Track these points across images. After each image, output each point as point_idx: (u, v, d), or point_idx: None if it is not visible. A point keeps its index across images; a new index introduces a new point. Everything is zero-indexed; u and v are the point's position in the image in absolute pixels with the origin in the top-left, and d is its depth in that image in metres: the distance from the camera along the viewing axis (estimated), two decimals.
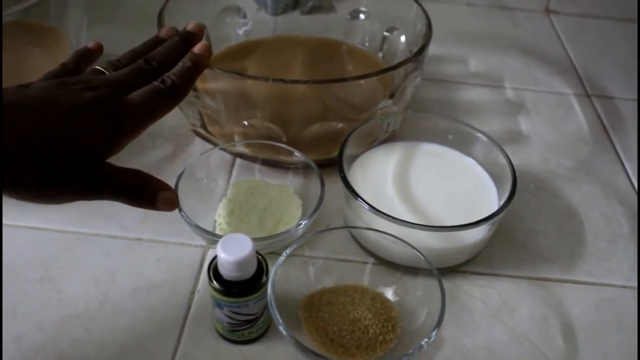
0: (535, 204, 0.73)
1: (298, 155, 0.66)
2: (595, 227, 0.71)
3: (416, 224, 0.57)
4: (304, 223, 0.60)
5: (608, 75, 1.00)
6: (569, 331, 0.59)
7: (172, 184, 0.60)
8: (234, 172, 0.73)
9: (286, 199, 0.66)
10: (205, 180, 0.68)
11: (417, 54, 0.70)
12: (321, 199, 0.61)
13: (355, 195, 0.60)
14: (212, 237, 0.59)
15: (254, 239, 0.49)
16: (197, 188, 0.66)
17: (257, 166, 0.72)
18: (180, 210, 0.58)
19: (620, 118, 0.90)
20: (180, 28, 0.75)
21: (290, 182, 0.69)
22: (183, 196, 0.61)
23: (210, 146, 0.72)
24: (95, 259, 0.62)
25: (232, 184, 0.69)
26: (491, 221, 0.58)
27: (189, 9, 0.80)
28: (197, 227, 0.58)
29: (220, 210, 0.66)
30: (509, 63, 1.01)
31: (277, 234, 0.59)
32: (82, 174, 0.45)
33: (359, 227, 0.62)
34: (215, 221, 0.65)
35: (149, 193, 0.49)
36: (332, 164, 0.66)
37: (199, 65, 0.55)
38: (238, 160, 0.74)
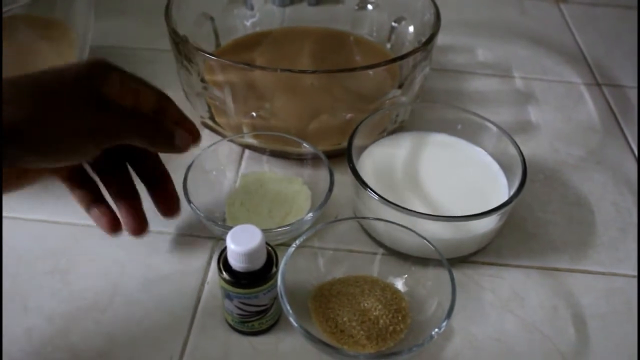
0: (545, 193, 0.73)
1: (307, 146, 0.66)
2: (605, 217, 0.70)
3: (426, 214, 0.57)
4: (312, 214, 0.60)
5: (618, 63, 0.99)
6: (580, 321, 0.59)
7: (180, 176, 0.61)
8: (243, 164, 0.73)
9: (295, 190, 0.66)
10: (214, 172, 0.68)
11: (426, 44, 0.69)
12: (330, 190, 0.61)
13: (365, 185, 0.59)
14: (222, 229, 0.59)
15: (263, 230, 0.49)
16: (206, 180, 0.66)
17: (265, 157, 0.72)
18: (189, 202, 0.58)
19: (631, 107, 0.89)
20: (186, 22, 0.75)
21: (299, 174, 0.69)
22: (192, 188, 0.61)
23: (218, 138, 0.72)
24: (105, 251, 0.62)
25: (241, 176, 0.69)
26: (501, 211, 0.58)
27: (197, 1, 0.80)
28: (207, 219, 0.58)
29: (229, 201, 0.66)
30: (517, 52, 1.00)
31: (286, 225, 0.59)
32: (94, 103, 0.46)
33: (368, 218, 0.62)
34: (225, 212, 0.65)
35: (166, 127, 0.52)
36: (341, 154, 0.65)
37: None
38: (247, 152, 0.74)
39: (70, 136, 0.44)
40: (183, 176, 0.61)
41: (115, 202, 0.56)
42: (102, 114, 0.46)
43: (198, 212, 0.58)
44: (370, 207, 0.62)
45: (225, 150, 0.71)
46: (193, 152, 0.69)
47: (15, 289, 0.58)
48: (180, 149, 0.54)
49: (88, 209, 0.56)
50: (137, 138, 0.49)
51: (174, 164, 0.61)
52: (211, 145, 0.67)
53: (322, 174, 0.64)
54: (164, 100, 0.55)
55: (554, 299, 0.61)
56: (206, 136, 0.75)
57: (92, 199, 0.55)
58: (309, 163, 0.68)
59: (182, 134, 0.53)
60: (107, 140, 0.47)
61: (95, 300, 0.58)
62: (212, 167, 0.67)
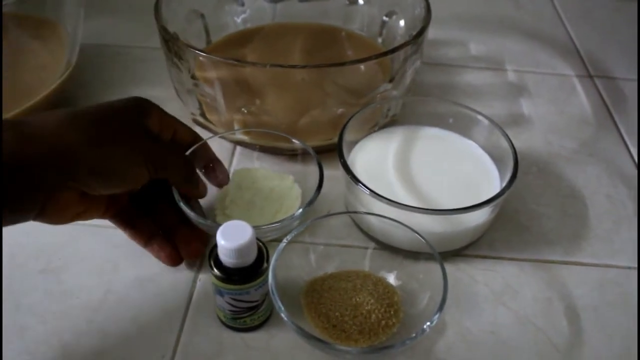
0: (538, 186, 0.73)
1: (296, 142, 0.66)
2: (599, 209, 0.70)
3: (417, 208, 0.57)
4: (302, 210, 0.59)
5: (610, 56, 0.99)
6: (573, 313, 0.59)
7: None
8: (234, 160, 0.73)
9: (286, 188, 0.66)
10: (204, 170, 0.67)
11: (417, 37, 0.69)
12: (320, 186, 0.61)
13: (356, 180, 0.59)
14: (211, 226, 0.58)
15: (253, 227, 0.49)
16: None
17: (256, 154, 0.72)
18: (178, 200, 0.58)
19: (623, 99, 0.89)
20: (176, 19, 0.75)
21: (289, 169, 0.69)
22: None
23: (209, 134, 0.72)
24: (98, 249, 0.62)
25: (234, 172, 0.68)
26: (493, 204, 0.58)
27: None
28: (197, 216, 0.58)
29: (220, 197, 0.65)
30: (510, 45, 1.00)
31: (275, 222, 0.58)
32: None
33: (360, 212, 0.62)
34: (215, 209, 0.65)
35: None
36: (332, 149, 0.65)
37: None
38: (238, 148, 0.74)
39: (122, 160, 0.49)
40: None
41: (169, 235, 0.60)
42: (150, 143, 0.52)
43: (187, 209, 0.58)
44: (362, 202, 0.61)
45: (215, 146, 0.71)
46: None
47: (8, 288, 0.58)
48: (200, 196, 0.60)
49: (145, 245, 0.58)
50: (176, 173, 0.55)
51: None
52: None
53: (312, 170, 0.64)
54: (198, 140, 0.62)
55: (548, 292, 0.61)
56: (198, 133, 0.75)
57: (148, 236, 0.58)
58: (299, 159, 0.68)
59: (204, 184, 0.61)
60: (153, 168, 0.51)
61: (88, 298, 0.58)
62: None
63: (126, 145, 0.49)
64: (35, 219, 0.48)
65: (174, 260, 0.58)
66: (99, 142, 0.47)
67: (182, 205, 0.57)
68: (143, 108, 0.53)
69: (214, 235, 0.49)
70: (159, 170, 0.52)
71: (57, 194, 0.47)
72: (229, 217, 0.62)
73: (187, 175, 0.57)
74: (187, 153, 0.60)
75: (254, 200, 0.64)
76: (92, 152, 0.46)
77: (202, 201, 0.63)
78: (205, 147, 0.63)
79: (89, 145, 0.46)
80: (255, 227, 0.49)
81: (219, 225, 0.50)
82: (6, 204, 0.43)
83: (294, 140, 0.66)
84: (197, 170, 0.60)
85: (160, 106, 0.57)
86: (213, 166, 0.63)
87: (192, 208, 0.59)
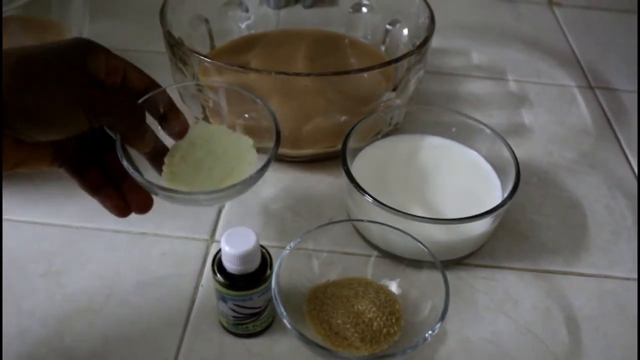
0: (539, 196, 0.73)
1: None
2: (598, 219, 0.71)
3: (420, 217, 0.57)
4: (248, 178, 0.53)
5: (611, 67, 0.99)
6: (572, 323, 0.59)
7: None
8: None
9: (242, 151, 0.59)
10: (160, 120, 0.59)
11: (420, 47, 0.69)
12: (276, 146, 0.56)
13: (359, 188, 0.60)
14: (149, 185, 0.52)
15: (196, 192, 0.48)
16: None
17: None
18: (119, 152, 0.52)
19: (624, 110, 0.90)
20: (181, 24, 0.75)
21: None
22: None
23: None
24: (99, 253, 0.62)
25: (192, 125, 0.59)
26: (495, 214, 0.58)
27: (191, 3, 0.80)
28: (134, 172, 0.52)
29: (170, 153, 0.57)
30: (511, 55, 1.00)
31: (219, 190, 0.53)
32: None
33: (362, 220, 0.62)
34: (163, 164, 0.56)
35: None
36: (335, 157, 0.66)
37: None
38: None
39: (57, 105, 0.44)
40: None
41: (121, 184, 0.54)
42: (89, 86, 0.46)
43: (126, 164, 0.52)
44: (365, 210, 0.62)
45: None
46: None
47: (9, 291, 0.58)
48: (145, 148, 0.53)
49: (93, 195, 0.53)
50: (119, 121, 0.49)
51: None
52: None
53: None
54: (153, 86, 0.54)
55: (547, 301, 0.61)
56: None
57: (97, 185, 0.53)
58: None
59: (151, 135, 0.53)
60: (93, 114, 0.46)
61: (89, 302, 0.58)
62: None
63: (61, 88, 0.45)
64: None
65: (121, 210, 0.53)
66: (29, 86, 0.43)
67: (120, 158, 0.51)
68: (87, 48, 0.48)
69: (153, 193, 0.49)
70: (100, 117, 0.47)
71: None
72: (175, 175, 0.56)
73: (132, 124, 0.51)
74: (140, 101, 0.53)
75: (204, 159, 0.57)
76: (22, 95, 0.43)
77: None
78: (164, 95, 0.55)
79: (17, 89, 0.42)
80: (196, 194, 0.47)
81: (157, 185, 0.48)
82: None
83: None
84: (153, 121, 0.55)
85: None
86: (170, 116, 0.56)
87: (132, 163, 0.52)
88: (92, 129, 0.48)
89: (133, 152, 0.53)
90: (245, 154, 0.59)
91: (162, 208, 0.52)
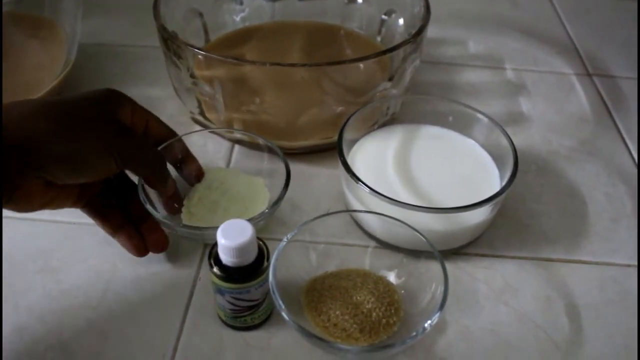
0: (538, 184, 0.73)
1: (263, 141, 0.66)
2: (598, 207, 0.70)
3: (418, 206, 0.57)
4: (261, 214, 0.59)
5: (609, 54, 0.99)
6: (573, 311, 0.59)
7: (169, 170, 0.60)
8: (232, 159, 0.72)
9: (254, 191, 0.65)
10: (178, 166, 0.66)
11: (416, 36, 0.69)
12: (285, 188, 0.61)
13: (356, 178, 0.59)
14: (172, 225, 0.58)
15: (212, 228, 0.50)
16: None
17: (254, 152, 0.71)
18: (142, 197, 0.58)
19: (622, 97, 0.89)
20: (175, 18, 0.75)
21: (262, 172, 0.67)
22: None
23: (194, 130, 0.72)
24: (96, 248, 0.62)
25: (207, 170, 0.66)
26: (493, 202, 0.58)
27: None
28: (158, 214, 0.58)
29: (189, 196, 0.64)
30: (509, 44, 1.00)
31: None
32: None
33: (360, 211, 0.62)
34: (182, 207, 0.64)
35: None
36: (332, 148, 0.65)
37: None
38: (236, 147, 0.74)
39: (89, 151, 0.49)
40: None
41: (139, 225, 0.59)
42: (120, 135, 0.52)
43: (150, 208, 0.57)
44: (362, 200, 0.61)
45: (215, 144, 0.71)
46: None
47: (6, 289, 0.58)
48: (167, 192, 0.59)
49: (114, 235, 0.58)
50: (144, 166, 0.55)
51: None
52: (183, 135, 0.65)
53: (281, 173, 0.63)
54: (173, 135, 0.61)
55: (548, 290, 0.61)
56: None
57: (117, 225, 0.58)
58: (266, 158, 0.67)
59: (172, 180, 0.59)
60: (121, 160, 0.51)
61: (86, 298, 0.58)
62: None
63: (93, 135, 0.49)
64: (4, 206, 0.47)
65: (140, 250, 0.58)
66: (65, 132, 0.47)
67: (144, 202, 0.57)
68: (115, 99, 0.53)
69: (179, 234, 0.53)
70: (127, 163, 0.52)
71: (24, 184, 0.47)
72: (193, 216, 0.62)
73: (155, 170, 0.56)
74: (160, 148, 0.60)
75: (219, 200, 0.64)
76: (57, 142, 0.47)
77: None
78: (180, 143, 0.62)
79: (54, 135, 0.47)
80: (213, 229, 0.50)
81: (180, 225, 0.53)
82: None
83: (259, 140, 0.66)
84: (170, 167, 0.61)
85: (160, 105, 0.57)
86: (187, 163, 0.63)
87: (153, 206, 0.58)
88: (117, 174, 0.54)
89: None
90: (257, 194, 0.65)
91: None
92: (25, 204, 0.49)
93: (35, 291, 0.58)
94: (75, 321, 0.56)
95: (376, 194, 0.58)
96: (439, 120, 0.71)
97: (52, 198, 0.51)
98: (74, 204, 0.56)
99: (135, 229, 0.59)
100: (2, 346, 0.53)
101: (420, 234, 0.55)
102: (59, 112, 0.48)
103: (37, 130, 0.46)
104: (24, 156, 0.45)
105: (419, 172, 0.66)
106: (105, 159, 0.50)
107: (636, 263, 0.64)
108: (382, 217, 0.58)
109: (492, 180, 0.65)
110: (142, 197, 0.57)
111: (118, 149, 0.50)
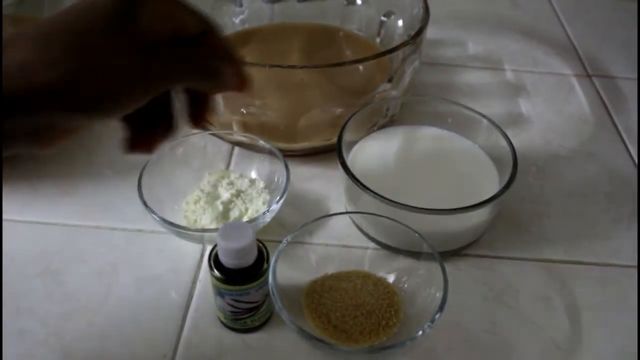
0: (538, 185, 0.73)
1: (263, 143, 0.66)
2: (598, 208, 0.70)
3: (417, 208, 0.57)
4: (263, 216, 0.59)
5: (609, 55, 0.99)
6: (574, 312, 0.59)
7: (168, 172, 0.60)
8: (232, 161, 0.72)
9: (254, 193, 0.65)
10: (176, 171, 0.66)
11: (415, 37, 0.69)
12: (284, 191, 0.61)
13: (355, 180, 0.59)
14: (170, 227, 0.58)
15: (208, 230, 0.49)
16: (165, 177, 0.64)
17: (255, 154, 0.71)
18: (145, 205, 0.58)
19: (622, 97, 0.89)
20: None
21: (261, 174, 0.68)
22: (150, 185, 0.61)
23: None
24: (97, 251, 0.62)
25: (207, 174, 0.67)
26: (492, 203, 0.58)
27: None
28: (157, 215, 0.58)
29: (188, 199, 0.65)
30: (508, 45, 1.00)
31: None
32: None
33: (359, 212, 0.62)
34: (182, 209, 0.64)
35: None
36: (331, 149, 0.65)
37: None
38: (236, 149, 0.74)
39: (115, 89, 0.37)
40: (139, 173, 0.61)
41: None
42: (148, 58, 0.38)
43: (152, 211, 0.58)
44: (362, 202, 0.61)
45: (214, 147, 0.71)
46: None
47: (8, 291, 0.58)
48: (228, 87, 0.45)
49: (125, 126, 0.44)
50: (186, 81, 0.42)
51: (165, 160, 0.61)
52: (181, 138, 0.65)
53: (279, 171, 0.64)
54: (209, 28, 0.44)
55: (548, 291, 0.61)
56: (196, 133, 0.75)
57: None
58: (267, 160, 0.67)
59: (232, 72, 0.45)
60: (154, 88, 0.39)
61: (88, 300, 0.58)
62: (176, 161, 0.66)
63: (113, 73, 0.36)
64: (27, 148, 0.37)
65: (130, 148, 0.44)
66: (79, 77, 0.35)
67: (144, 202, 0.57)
68: (131, 3, 0.38)
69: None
70: (169, 86, 0.41)
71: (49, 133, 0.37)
72: (189, 220, 0.63)
73: (202, 78, 0.42)
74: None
75: (218, 203, 0.64)
76: (71, 90, 0.35)
77: (172, 201, 0.63)
78: (215, 37, 0.45)
79: (66, 83, 0.35)
80: (210, 231, 0.49)
81: (179, 227, 0.53)
82: None
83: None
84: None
85: None
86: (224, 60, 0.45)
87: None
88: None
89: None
90: (257, 195, 0.65)
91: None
92: (49, 146, 0.38)
93: (37, 294, 0.58)
94: (76, 323, 0.56)
95: (376, 196, 0.58)
96: (439, 121, 0.71)
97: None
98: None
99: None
100: (3, 349, 0.53)
101: (420, 235, 0.55)
102: (67, 46, 0.35)
103: (46, 82, 0.34)
104: (39, 113, 0.35)
105: (418, 173, 0.66)
106: (131, 95, 0.38)
107: (636, 264, 0.64)
108: (381, 218, 0.58)
109: (491, 182, 0.65)
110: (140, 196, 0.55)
111: (146, 78, 0.38)
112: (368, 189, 0.58)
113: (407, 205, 0.57)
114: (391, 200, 0.57)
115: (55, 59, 0.34)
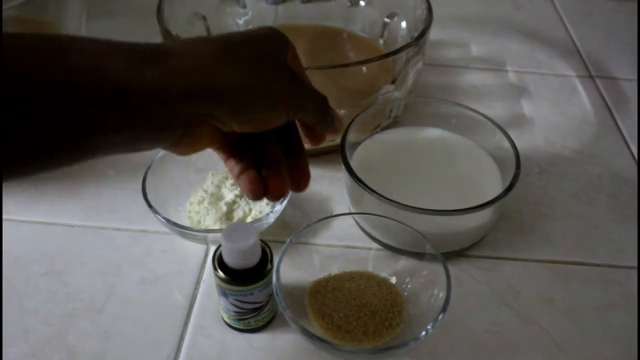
0: (540, 187, 0.73)
1: None
2: (601, 209, 0.70)
3: (420, 209, 0.57)
4: (267, 217, 0.59)
5: (611, 56, 0.99)
6: (576, 313, 0.59)
7: (172, 172, 0.61)
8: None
9: None
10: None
11: (418, 38, 0.69)
12: (286, 197, 0.61)
13: (359, 181, 0.59)
14: (174, 227, 0.59)
15: (212, 230, 0.50)
16: (169, 178, 0.65)
17: None
18: (149, 206, 0.59)
19: (625, 99, 0.89)
20: (178, 22, 0.75)
21: None
22: (155, 187, 0.61)
23: None
24: (101, 251, 0.62)
25: (210, 175, 0.67)
26: (495, 204, 0.58)
27: (189, 0, 0.80)
28: (161, 215, 0.59)
29: (191, 200, 0.66)
30: (511, 46, 1.00)
31: None
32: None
33: (362, 213, 0.62)
34: (187, 209, 0.65)
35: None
36: (335, 150, 0.65)
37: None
38: None
39: (268, 105, 0.44)
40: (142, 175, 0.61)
41: (263, 169, 0.52)
42: (294, 83, 0.46)
43: (157, 212, 0.58)
44: (365, 203, 0.62)
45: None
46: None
47: (12, 291, 0.58)
48: (336, 131, 0.52)
49: (238, 177, 0.52)
50: (313, 113, 0.49)
51: (168, 160, 0.61)
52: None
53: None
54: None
55: (550, 291, 0.61)
56: None
57: (243, 168, 0.51)
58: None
59: (337, 116, 0.52)
60: (293, 111, 0.46)
61: (91, 300, 0.58)
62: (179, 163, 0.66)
63: (274, 87, 0.44)
64: (167, 148, 0.44)
65: (258, 194, 0.51)
66: (249, 84, 0.42)
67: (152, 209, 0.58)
68: (282, 41, 0.47)
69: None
70: (298, 113, 0.47)
71: (197, 129, 0.43)
72: (192, 220, 0.63)
73: (323, 114, 0.50)
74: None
75: (222, 203, 0.64)
76: (240, 93, 0.42)
77: (177, 202, 0.63)
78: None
79: (240, 86, 0.42)
80: (213, 232, 0.50)
81: (183, 227, 0.53)
82: (146, 134, 0.40)
83: None
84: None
85: None
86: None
87: None
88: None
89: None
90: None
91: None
92: (188, 149, 0.45)
93: (41, 294, 0.58)
94: (80, 323, 0.56)
95: (379, 197, 0.58)
96: (442, 122, 0.71)
97: (208, 143, 0.48)
98: (213, 145, 0.50)
99: (259, 172, 0.51)
100: (8, 349, 0.54)
101: (423, 236, 0.55)
102: (239, 61, 0.43)
103: (219, 79, 0.41)
104: (204, 105, 0.41)
105: (421, 174, 0.66)
106: (280, 111, 0.45)
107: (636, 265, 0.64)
108: (384, 219, 0.58)
109: (494, 183, 0.65)
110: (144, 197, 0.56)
111: (294, 100, 0.46)
112: (371, 189, 0.58)
113: (410, 207, 0.57)
114: (394, 201, 0.57)
115: (235, 66, 0.42)
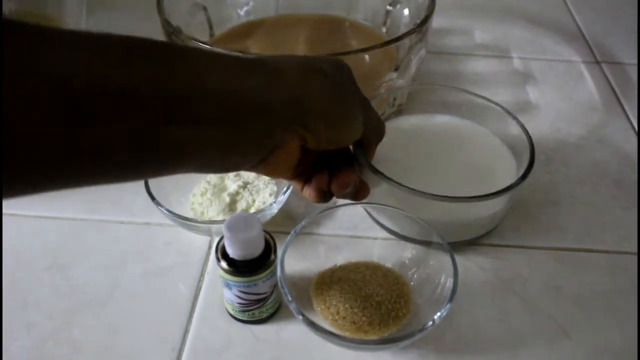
0: (547, 173, 0.72)
1: None
2: (607, 195, 0.70)
3: (433, 195, 0.55)
4: (270, 207, 0.59)
5: (617, 41, 0.98)
6: (583, 300, 0.58)
7: None
8: None
9: (261, 185, 0.65)
10: None
11: (421, 25, 0.68)
12: (290, 186, 0.60)
13: (370, 167, 0.58)
14: (178, 219, 0.58)
15: (215, 222, 0.49)
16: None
17: None
18: (152, 198, 0.58)
19: (631, 84, 0.88)
20: (179, 13, 0.74)
21: None
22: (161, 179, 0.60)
23: None
24: (104, 244, 0.62)
25: None
26: (510, 192, 0.57)
27: None
28: (164, 207, 0.59)
29: (195, 191, 0.65)
30: (515, 33, 0.99)
31: None
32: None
33: (368, 203, 0.61)
34: (190, 201, 0.65)
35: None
36: None
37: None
38: None
39: (353, 117, 0.47)
40: None
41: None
42: (370, 106, 0.50)
43: (160, 204, 0.58)
44: (375, 191, 0.60)
45: None
46: None
47: (15, 286, 0.58)
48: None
49: (301, 190, 0.53)
50: (377, 135, 0.54)
51: None
52: None
53: None
54: None
55: (558, 279, 0.60)
56: None
57: (305, 181, 0.52)
58: None
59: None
60: (367, 128, 0.49)
61: (95, 294, 0.58)
62: None
63: (356, 101, 0.48)
64: (253, 167, 0.45)
65: (325, 198, 0.52)
66: (336, 95, 0.45)
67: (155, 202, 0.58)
68: (348, 70, 0.49)
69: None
70: (367, 130, 0.50)
71: (286, 143, 0.44)
72: (195, 212, 0.63)
73: (380, 138, 0.55)
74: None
75: (225, 194, 0.64)
76: (328, 106, 0.44)
77: (173, 186, 0.63)
78: None
79: (328, 98, 0.44)
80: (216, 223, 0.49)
81: (186, 218, 0.53)
82: (241, 143, 0.41)
83: None
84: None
85: None
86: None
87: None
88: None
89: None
90: (264, 187, 0.65)
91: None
92: (276, 167, 0.46)
93: (44, 288, 0.58)
94: (84, 317, 0.56)
95: (389, 182, 0.56)
96: (447, 109, 0.71)
97: (294, 160, 0.48)
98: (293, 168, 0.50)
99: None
100: (11, 343, 0.53)
101: (429, 225, 0.55)
102: (328, 80, 0.45)
103: (310, 90, 0.43)
104: (296, 115, 0.43)
105: (428, 162, 0.65)
106: (359, 127, 0.48)
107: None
108: (391, 208, 0.57)
109: (506, 171, 0.64)
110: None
111: (368, 118, 0.49)
112: (379, 172, 0.57)
113: (421, 192, 0.56)
114: (406, 187, 0.56)
115: (285, 85, 0.42)
